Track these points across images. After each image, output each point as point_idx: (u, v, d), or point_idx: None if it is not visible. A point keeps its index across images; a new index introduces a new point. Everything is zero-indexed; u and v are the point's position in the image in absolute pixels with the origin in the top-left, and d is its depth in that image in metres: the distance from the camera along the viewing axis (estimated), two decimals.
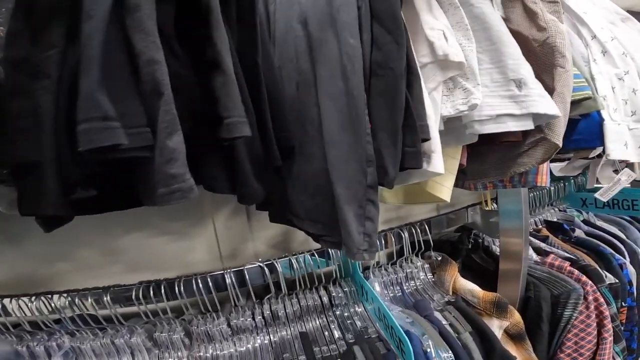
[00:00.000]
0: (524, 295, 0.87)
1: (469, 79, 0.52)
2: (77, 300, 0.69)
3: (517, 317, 0.74)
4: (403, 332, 0.51)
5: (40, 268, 0.82)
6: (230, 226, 0.91)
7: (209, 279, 0.69)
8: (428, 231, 0.87)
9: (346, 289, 0.77)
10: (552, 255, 0.92)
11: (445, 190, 0.61)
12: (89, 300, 0.69)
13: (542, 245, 1.00)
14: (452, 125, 0.56)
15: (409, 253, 0.84)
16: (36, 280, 0.80)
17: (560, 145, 0.60)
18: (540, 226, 1.11)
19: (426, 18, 0.50)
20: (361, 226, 0.47)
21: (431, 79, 0.51)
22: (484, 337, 0.70)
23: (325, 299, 0.77)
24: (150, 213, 0.82)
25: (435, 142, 0.51)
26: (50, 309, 0.69)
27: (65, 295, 0.69)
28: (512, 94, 0.52)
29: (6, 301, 0.68)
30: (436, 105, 0.51)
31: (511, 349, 0.75)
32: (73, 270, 0.83)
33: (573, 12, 0.69)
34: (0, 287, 0.82)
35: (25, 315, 0.68)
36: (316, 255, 0.76)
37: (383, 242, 0.82)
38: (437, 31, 0.49)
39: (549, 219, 1.15)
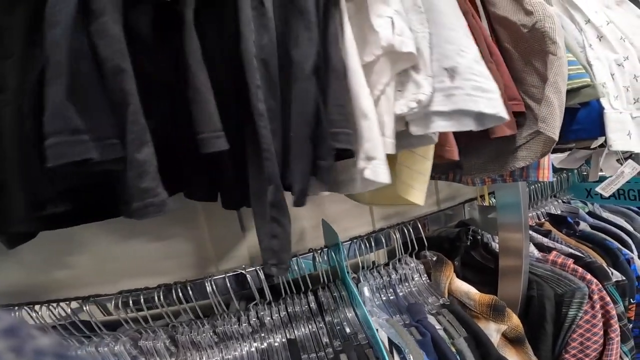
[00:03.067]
0: (526, 294, 0.83)
1: (420, 71, 0.45)
2: (57, 310, 0.67)
3: (515, 320, 0.70)
4: (382, 348, 0.47)
5: (41, 276, 0.81)
6: (224, 229, 0.89)
7: (189, 288, 0.67)
8: (421, 229, 0.83)
9: (335, 294, 0.74)
10: (554, 252, 0.87)
11: (416, 193, 0.56)
12: (68, 309, 0.68)
13: (545, 240, 0.96)
14: None
15: (402, 254, 0.81)
16: (38, 288, 0.79)
17: (557, 138, 0.56)
18: (543, 220, 1.07)
19: (375, 5, 0.44)
20: (269, 240, 0.46)
21: (384, 72, 0.45)
22: (479, 342, 0.66)
23: (314, 305, 0.74)
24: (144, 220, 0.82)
25: (375, 146, 0.44)
26: (33, 319, 0.67)
27: (46, 305, 0.68)
28: (443, 85, 0.44)
29: None
30: (389, 103, 0.46)
31: (510, 353, 0.71)
32: (68, 278, 0.82)
33: None
34: None
35: None
36: (301, 259, 0.73)
37: (374, 243, 0.78)
38: (385, 19, 0.43)
39: (552, 211, 1.10)
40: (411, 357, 0.53)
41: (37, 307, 0.68)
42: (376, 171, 0.44)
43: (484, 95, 0.44)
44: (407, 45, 0.43)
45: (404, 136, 0.49)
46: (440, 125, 0.45)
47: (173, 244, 0.86)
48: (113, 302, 0.67)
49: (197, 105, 0.40)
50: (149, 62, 0.41)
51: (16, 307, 0.67)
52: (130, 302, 0.67)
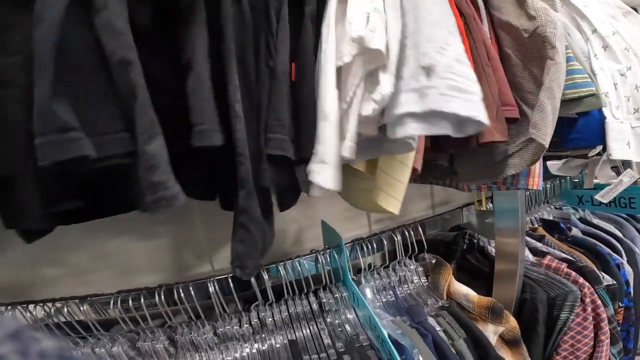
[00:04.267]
0: (520, 296, 0.85)
1: (387, 69, 0.41)
2: (52, 310, 0.65)
3: (512, 322, 0.72)
4: (393, 348, 0.48)
5: (22, 275, 0.78)
6: (219, 227, 0.88)
7: (191, 288, 0.66)
8: (422, 232, 0.84)
9: (337, 295, 0.74)
10: (548, 257, 0.89)
11: (393, 201, 0.53)
12: (65, 309, 0.66)
13: (539, 245, 0.98)
14: None
15: (402, 256, 0.81)
16: (18, 288, 0.76)
17: (547, 145, 0.55)
18: (537, 225, 1.09)
19: (355, 1, 0.43)
20: (236, 243, 0.48)
21: (356, 73, 0.43)
22: (478, 344, 0.67)
23: (315, 306, 0.74)
24: (138, 217, 0.80)
25: (327, 150, 0.44)
26: (27, 319, 0.65)
27: (41, 304, 0.66)
28: (420, 85, 0.39)
29: None
30: (358, 105, 0.44)
31: (506, 354, 0.72)
32: (58, 276, 0.80)
33: (573, 5, 0.66)
34: None
35: None
36: (303, 260, 0.73)
37: (375, 245, 0.78)
38: (361, 14, 0.42)
39: (545, 217, 1.12)
40: (420, 357, 0.53)
41: (31, 306, 0.65)
42: (322, 175, 0.44)
43: (460, 96, 0.38)
44: (375, 42, 0.40)
45: (384, 141, 0.47)
46: (413, 128, 0.39)
47: (166, 243, 0.85)
48: (112, 301, 0.65)
49: (197, 94, 0.40)
50: (150, 56, 0.40)
51: (9, 307, 0.65)
52: (130, 301, 0.65)
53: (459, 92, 0.38)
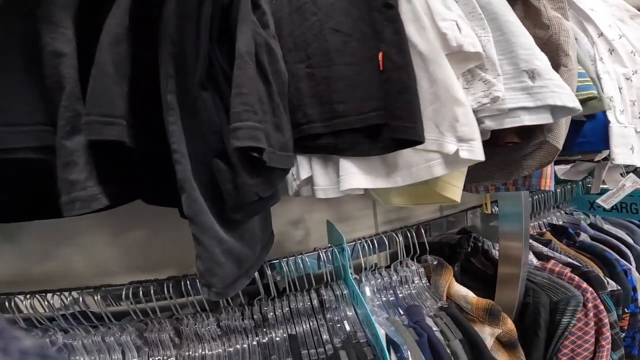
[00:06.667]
0: (522, 300, 0.85)
1: (489, 70, 0.49)
2: (68, 299, 0.69)
3: (509, 324, 0.72)
4: (384, 345, 0.49)
5: (35, 266, 0.82)
6: None
7: (197, 281, 0.69)
8: (424, 234, 0.85)
9: (337, 292, 0.76)
10: (552, 261, 0.89)
11: (455, 190, 0.59)
12: (80, 299, 0.70)
13: (544, 249, 0.97)
14: None
15: (404, 257, 0.82)
16: (32, 278, 0.80)
17: (560, 148, 0.57)
18: (544, 229, 1.08)
19: (438, 9, 0.47)
20: (196, 260, 0.42)
21: None
22: (473, 345, 0.68)
23: (316, 302, 0.76)
24: (146, 212, 0.83)
25: (473, 129, 0.48)
26: (44, 307, 0.69)
27: (58, 293, 0.70)
28: (525, 85, 0.48)
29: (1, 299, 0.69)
30: None
31: (503, 356, 0.73)
32: (68, 269, 0.83)
33: (579, 8, 0.65)
34: None
35: (21, 312, 0.69)
36: (307, 259, 0.75)
37: (377, 245, 0.80)
38: (450, 22, 0.46)
39: (554, 222, 1.11)
40: (409, 353, 0.55)
41: (49, 295, 0.69)
42: (474, 150, 0.48)
43: (563, 92, 0.48)
44: (474, 46, 0.47)
45: None
46: (527, 119, 0.50)
47: (172, 237, 0.85)
48: (124, 292, 0.68)
49: (93, 81, 0.34)
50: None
51: (28, 295, 0.68)
52: (141, 293, 0.68)
53: (562, 89, 0.48)
